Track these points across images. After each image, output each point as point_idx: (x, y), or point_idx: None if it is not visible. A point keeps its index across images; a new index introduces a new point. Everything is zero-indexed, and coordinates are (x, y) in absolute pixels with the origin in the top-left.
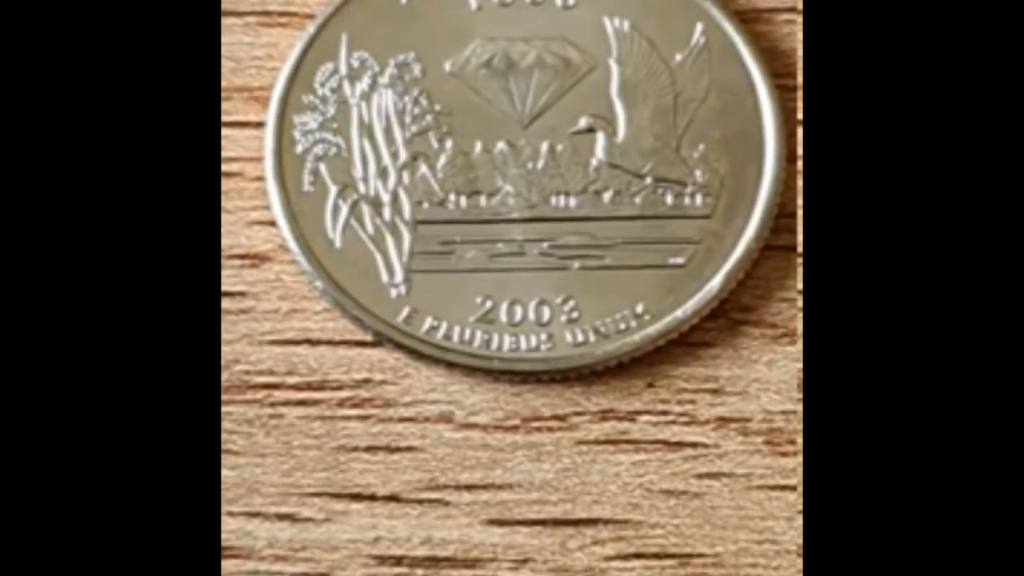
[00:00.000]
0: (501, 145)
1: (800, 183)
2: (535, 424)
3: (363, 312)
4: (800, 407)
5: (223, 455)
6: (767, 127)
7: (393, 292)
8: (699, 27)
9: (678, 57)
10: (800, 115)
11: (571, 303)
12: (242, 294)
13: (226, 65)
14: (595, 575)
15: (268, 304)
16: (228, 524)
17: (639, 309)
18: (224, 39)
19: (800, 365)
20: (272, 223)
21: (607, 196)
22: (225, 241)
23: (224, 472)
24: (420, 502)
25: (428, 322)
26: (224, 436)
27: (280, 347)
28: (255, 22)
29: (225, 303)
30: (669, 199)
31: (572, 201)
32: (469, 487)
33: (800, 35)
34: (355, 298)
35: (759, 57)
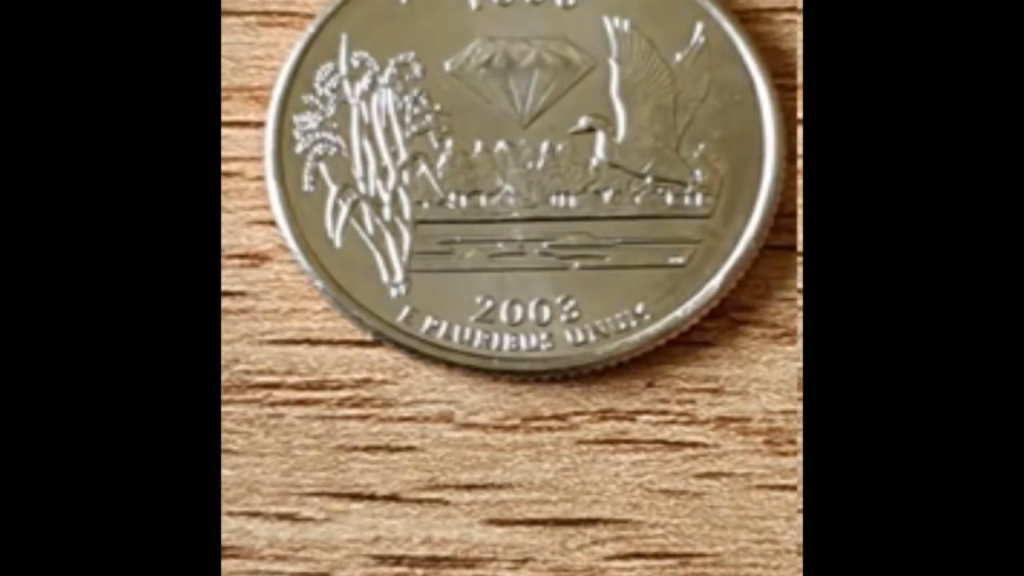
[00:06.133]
0: (501, 145)
1: (800, 183)
2: (535, 424)
3: (363, 312)
4: (800, 407)
5: (223, 455)
6: (767, 127)
7: (393, 292)
8: (699, 27)
9: (678, 57)
10: (800, 115)
11: (571, 303)
12: (242, 294)
13: (226, 65)
14: (595, 575)
15: (268, 304)
16: (228, 524)
17: (639, 309)
18: (224, 39)
19: (800, 365)
20: (272, 223)
21: (607, 196)
22: (225, 241)
23: (224, 472)
24: (420, 502)
25: (428, 322)
26: (224, 436)
27: (280, 347)
28: (255, 22)
29: (225, 303)
30: (669, 199)
31: (572, 201)
32: (469, 487)
33: (800, 35)
34: (355, 298)
35: (759, 57)
